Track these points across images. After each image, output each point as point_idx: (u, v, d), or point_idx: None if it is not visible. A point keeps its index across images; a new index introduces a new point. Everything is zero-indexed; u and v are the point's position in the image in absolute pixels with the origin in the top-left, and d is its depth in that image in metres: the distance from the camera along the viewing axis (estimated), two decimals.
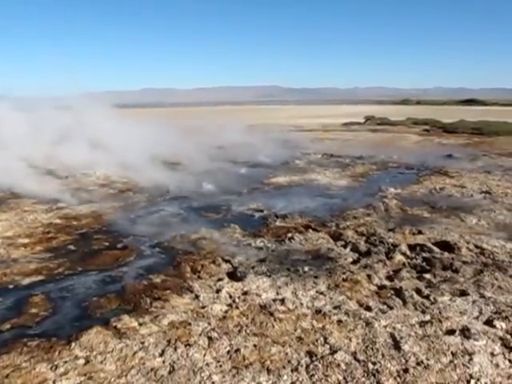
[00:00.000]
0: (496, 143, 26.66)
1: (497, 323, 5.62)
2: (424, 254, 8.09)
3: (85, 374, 4.69)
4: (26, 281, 7.18)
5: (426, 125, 39.24)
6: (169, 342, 5.30)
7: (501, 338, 5.31)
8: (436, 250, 8.27)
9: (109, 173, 16.16)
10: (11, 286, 6.98)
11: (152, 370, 4.77)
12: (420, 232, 9.26)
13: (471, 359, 4.88)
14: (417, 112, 59.06)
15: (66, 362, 4.91)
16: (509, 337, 5.34)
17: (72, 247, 8.78)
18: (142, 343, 5.28)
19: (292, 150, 22.63)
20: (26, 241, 9.08)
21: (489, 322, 5.68)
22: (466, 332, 5.42)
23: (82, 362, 4.93)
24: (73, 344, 5.24)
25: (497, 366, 4.79)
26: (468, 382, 4.50)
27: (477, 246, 8.40)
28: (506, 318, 5.75)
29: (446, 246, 8.44)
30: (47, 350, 5.13)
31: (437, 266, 7.52)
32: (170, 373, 4.72)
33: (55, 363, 4.87)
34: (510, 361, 4.87)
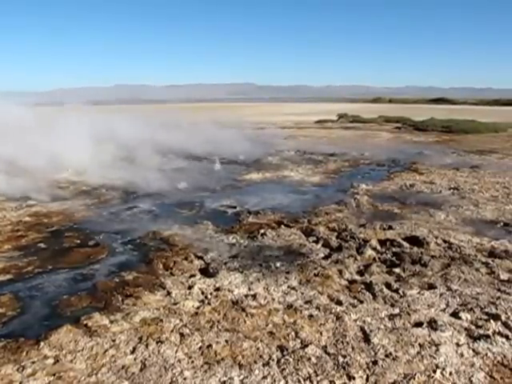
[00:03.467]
0: (464, 141, 27.19)
1: (462, 315, 5.76)
2: (394, 249, 8.22)
3: (54, 374, 4.62)
4: None
5: (397, 123, 39.78)
6: (140, 339, 5.29)
7: (466, 329, 5.45)
8: (405, 244, 8.42)
9: (81, 170, 15.94)
10: None
11: (123, 367, 4.75)
12: (390, 227, 9.41)
13: (438, 350, 5.00)
14: (389, 110, 59.78)
15: (33, 362, 4.83)
16: (473, 327, 5.48)
17: (42, 245, 8.65)
18: (113, 341, 5.25)
19: (265, 147, 22.67)
20: None
21: (455, 314, 5.81)
22: (433, 324, 5.54)
23: (50, 361, 4.86)
24: (41, 344, 5.17)
25: (461, 355, 4.91)
26: (434, 371, 4.61)
27: (445, 241, 8.58)
28: (471, 309, 5.90)
29: (415, 240, 8.60)
30: (14, 351, 5.03)
31: (406, 261, 7.66)
32: (141, 370, 4.70)
33: (22, 364, 4.78)
34: (473, 350, 5.01)
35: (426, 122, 37.72)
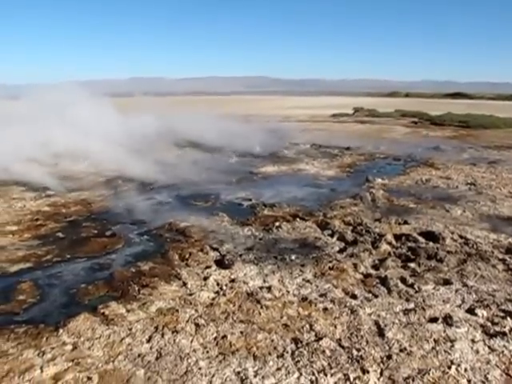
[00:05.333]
0: (482, 136, 26.88)
1: (478, 311, 5.74)
2: (409, 244, 8.20)
3: (72, 360, 4.73)
4: (14, 268, 7.19)
5: (413, 117, 39.38)
6: (156, 328, 5.36)
7: (482, 326, 5.43)
8: (421, 239, 8.40)
9: (99, 161, 16.08)
10: None
11: (139, 355, 4.83)
12: (406, 222, 9.37)
13: (453, 346, 5.00)
14: (405, 104, 59.19)
15: (53, 348, 4.94)
16: (489, 324, 5.47)
17: (60, 234, 8.78)
18: (130, 329, 5.33)
19: (281, 140, 22.65)
20: (14, 228, 9.07)
21: (471, 310, 5.80)
22: (448, 320, 5.53)
23: (69, 348, 4.96)
24: (60, 330, 5.28)
25: (477, 352, 4.90)
26: (449, 367, 4.61)
27: (461, 237, 8.53)
28: (487, 306, 5.88)
29: (430, 236, 8.57)
30: (35, 337, 5.16)
31: (421, 256, 7.64)
32: (157, 359, 4.78)
33: (42, 349, 4.90)
34: (489, 347, 5.00)
35: (442, 116, 37.32)
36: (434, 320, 5.58)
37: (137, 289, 6.39)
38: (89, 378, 4.43)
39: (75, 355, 4.83)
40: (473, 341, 5.12)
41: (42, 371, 4.54)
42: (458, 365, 4.65)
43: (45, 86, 21.16)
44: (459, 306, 5.94)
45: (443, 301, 6.09)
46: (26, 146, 16.06)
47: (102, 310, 5.75)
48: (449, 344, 5.04)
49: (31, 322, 5.54)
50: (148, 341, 5.11)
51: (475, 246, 8.05)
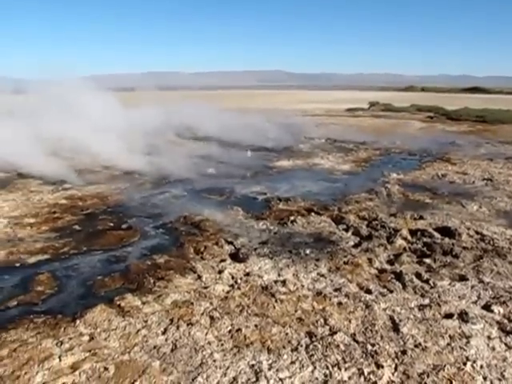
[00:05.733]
0: (499, 131, 26.57)
1: (494, 308, 5.70)
2: (425, 239, 8.16)
3: (89, 350, 4.80)
4: (32, 259, 7.29)
5: (429, 112, 39.06)
6: (171, 320, 5.41)
7: (498, 323, 5.39)
8: (437, 235, 8.35)
9: (114, 155, 16.20)
10: (18, 265, 7.09)
11: (155, 347, 4.88)
12: (421, 217, 9.33)
13: (468, 342, 4.97)
14: (421, 99, 58.76)
15: (70, 338, 5.02)
16: (506, 321, 5.42)
17: (77, 227, 8.88)
18: (145, 321, 5.39)
19: (296, 134, 22.60)
20: (32, 220, 9.19)
21: (487, 307, 5.76)
22: (464, 316, 5.50)
23: (86, 338, 5.04)
24: (77, 321, 5.36)
25: (493, 349, 4.87)
26: (464, 364, 4.59)
27: (477, 232, 8.47)
28: (504, 302, 5.83)
29: (446, 231, 8.51)
30: (53, 327, 5.25)
31: (437, 251, 7.60)
32: (172, 350, 4.83)
33: (60, 339, 4.99)
34: (506, 344, 4.96)
35: (459, 111, 36.96)
36: (449, 316, 5.55)
37: (152, 281, 6.45)
38: (105, 369, 4.49)
39: (92, 346, 4.90)
40: (489, 337, 5.09)
41: (60, 360, 4.62)
42: (474, 361, 4.63)
43: (59, 81, 21.29)
44: (475, 303, 5.90)
45: (459, 297, 6.06)
46: (43, 140, 16.22)
47: (118, 302, 5.82)
48: (464, 340, 5.01)
49: (49, 312, 5.63)
50: (163, 333, 5.16)
51: (492, 242, 7.98)
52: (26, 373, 4.42)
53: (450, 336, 5.10)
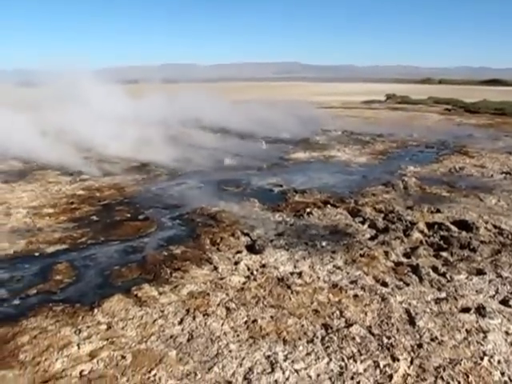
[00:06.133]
0: None
1: None
2: (442, 233, 8.10)
3: (107, 339, 4.87)
4: (51, 249, 7.39)
5: (447, 104, 38.62)
6: (188, 311, 5.45)
7: None
8: (454, 228, 8.28)
9: (131, 146, 16.31)
10: (37, 254, 7.19)
11: (171, 337, 4.93)
12: (438, 211, 9.25)
13: (485, 337, 4.94)
14: (438, 91, 58.07)
15: (88, 326, 5.10)
16: None
17: (95, 218, 8.97)
18: (162, 311, 5.44)
19: (312, 126, 22.50)
20: (51, 211, 9.31)
21: (505, 302, 5.71)
22: (481, 310, 5.46)
23: (104, 327, 5.11)
24: (95, 310, 5.44)
25: (511, 344, 4.83)
26: (481, 358, 4.57)
27: (495, 226, 8.38)
28: None
29: (464, 225, 8.44)
30: (71, 315, 5.33)
31: (454, 245, 7.54)
32: (188, 340, 4.87)
33: (79, 327, 5.07)
34: None
35: (477, 103, 36.47)
36: (466, 310, 5.52)
37: (169, 272, 6.50)
38: (123, 357, 4.55)
39: (109, 334, 4.97)
40: (507, 333, 5.05)
41: (78, 348, 4.69)
42: (491, 356, 4.60)
43: (77, 72, 21.46)
44: (493, 297, 5.86)
45: (476, 291, 6.02)
46: (60, 132, 16.38)
47: (135, 292, 5.88)
48: (481, 335, 4.98)
49: (68, 301, 5.71)
50: (180, 323, 5.21)
51: (510, 237, 7.89)
52: (46, 359, 4.50)
53: (466, 330, 5.08)
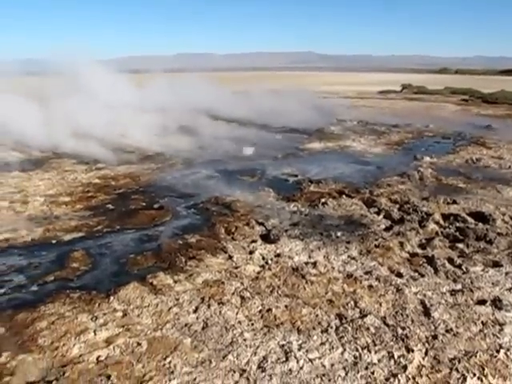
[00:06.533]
0: None
1: None
2: (458, 224, 8.03)
3: (123, 326, 4.93)
4: (68, 237, 7.47)
5: (464, 95, 38.15)
6: (202, 299, 5.49)
7: None
8: (470, 220, 8.21)
9: (147, 135, 16.36)
10: (54, 241, 7.29)
11: (186, 325, 4.97)
12: (454, 202, 9.17)
13: (502, 330, 4.90)
14: (455, 81, 57.31)
15: (105, 313, 5.16)
16: None
17: (110, 206, 9.04)
18: (177, 300, 5.48)
19: (327, 116, 22.40)
20: (67, 199, 9.41)
21: None
22: (497, 303, 5.42)
23: (119, 314, 5.17)
24: (111, 298, 5.50)
25: None
26: (497, 351, 4.53)
27: None
28: None
29: (480, 216, 8.36)
30: (88, 302, 5.40)
31: (470, 237, 7.48)
32: (203, 329, 4.90)
33: (95, 314, 5.13)
34: None
35: (495, 94, 35.94)
36: (482, 302, 5.48)
37: (184, 260, 6.54)
38: (138, 344, 4.60)
39: (125, 321, 5.02)
40: None
41: (95, 334, 4.76)
42: (508, 349, 4.56)
43: (90, 62, 21.53)
44: (509, 290, 5.80)
45: (492, 283, 5.97)
46: (76, 121, 16.47)
47: (150, 280, 5.93)
48: (497, 327, 4.95)
49: (84, 288, 5.78)
50: (195, 311, 5.24)
51: None
52: (63, 344, 4.58)
53: (482, 322, 5.04)
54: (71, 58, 19.99)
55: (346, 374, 4.19)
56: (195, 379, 4.11)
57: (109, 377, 4.12)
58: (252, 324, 4.99)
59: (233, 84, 34.05)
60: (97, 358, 4.38)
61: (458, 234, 7.68)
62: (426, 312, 5.24)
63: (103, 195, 9.73)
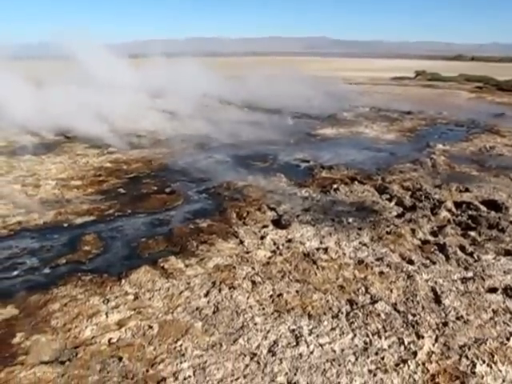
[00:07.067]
0: None
1: None
2: (470, 212, 7.98)
3: (134, 309, 4.97)
4: (79, 220, 7.54)
5: (479, 82, 37.60)
6: (214, 283, 5.51)
7: None
8: (483, 208, 8.14)
9: (159, 119, 16.36)
10: (66, 225, 7.35)
11: (197, 309, 5.00)
12: (467, 190, 9.10)
13: None
14: (470, 68, 56.51)
15: (116, 296, 5.21)
16: None
17: (122, 190, 9.09)
18: (188, 284, 5.52)
19: (340, 102, 22.28)
20: (79, 183, 9.46)
21: None
22: (508, 291, 5.40)
23: (131, 297, 5.21)
24: (123, 281, 5.55)
25: None
26: (508, 339, 4.52)
27: None
28: None
29: (493, 204, 8.29)
30: (99, 285, 5.45)
31: (482, 225, 7.42)
32: (214, 312, 4.93)
33: (107, 297, 5.18)
34: None
35: (510, 81, 35.40)
36: (493, 290, 5.46)
37: (195, 245, 6.57)
38: (150, 327, 4.65)
39: (137, 305, 5.07)
40: None
41: (107, 317, 4.82)
42: None
43: (102, 46, 21.53)
44: None
45: (504, 272, 5.93)
46: (88, 105, 16.50)
47: (161, 264, 5.97)
48: (508, 316, 4.93)
49: (96, 271, 5.84)
50: (206, 295, 5.27)
51: None
52: (76, 326, 4.64)
53: (493, 310, 5.03)
54: (82, 41, 20.00)
55: (356, 360, 4.20)
56: (206, 362, 4.14)
57: (120, 358, 4.17)
58: (263, 308, 5.01)
59: (245, 69, 33.75)
60: (109, 340, 4.43)
61: (470, 221, 7.63)
62: (437, 299, 5.23)
63: (115, 179, 9.77)
